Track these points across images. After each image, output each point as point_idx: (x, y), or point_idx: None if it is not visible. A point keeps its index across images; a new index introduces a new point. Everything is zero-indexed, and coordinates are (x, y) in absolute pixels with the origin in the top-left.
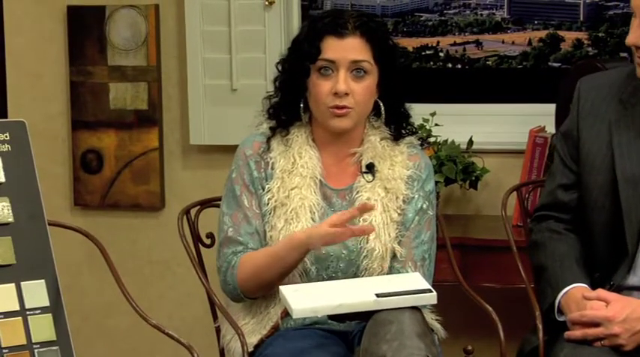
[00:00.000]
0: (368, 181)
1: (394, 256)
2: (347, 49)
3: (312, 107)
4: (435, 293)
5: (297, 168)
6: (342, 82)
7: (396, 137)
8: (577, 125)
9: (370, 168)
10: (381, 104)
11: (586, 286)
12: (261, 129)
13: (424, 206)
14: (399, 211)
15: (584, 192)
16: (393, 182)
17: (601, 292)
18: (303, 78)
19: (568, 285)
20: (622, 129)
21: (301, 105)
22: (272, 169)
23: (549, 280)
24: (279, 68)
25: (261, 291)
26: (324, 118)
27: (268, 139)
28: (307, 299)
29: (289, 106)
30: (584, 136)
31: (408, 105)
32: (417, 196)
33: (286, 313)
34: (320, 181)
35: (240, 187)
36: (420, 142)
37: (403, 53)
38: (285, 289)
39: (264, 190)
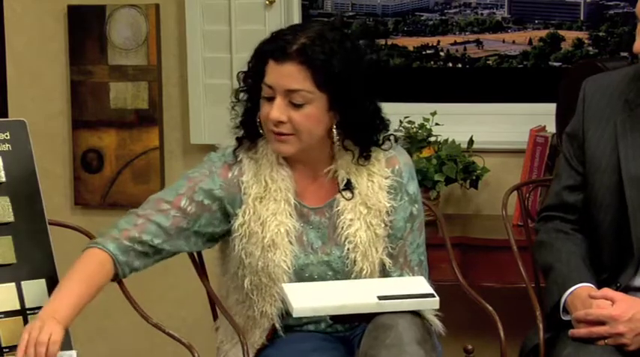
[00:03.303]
0: (347, 199)
1: (384, 266)
2: (283, 76)
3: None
4: (437, 298)
5: (270, 193)
6: (275, 110)
7: (366, 157)
8: (582, 126)
9: (348, 185)
10: (335, 132)
11: (592, 285)
12: (228, 149)
13: (414, 211)
14: (383, 225)
15: (590, 193)
16: (374, 198)
17: (607, 291)
18: (257, 95)
19: (574, 284)
20: (627, 130)
21: (258, 120)
22: (244, 194)
23: (556, 279)
24: (241, 79)
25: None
26: (269, 140)
27: (237, 156)
28: (308, 298)
29: (249, 120)
30: (590, 136)
31: (383, 112)
32: (402, 203)
33: (273, 334)
34: (295, 203)
35: (188, 188)
36: (392, 141)
37: (371, 62)
38: (287, 287)
39: (221, 210)
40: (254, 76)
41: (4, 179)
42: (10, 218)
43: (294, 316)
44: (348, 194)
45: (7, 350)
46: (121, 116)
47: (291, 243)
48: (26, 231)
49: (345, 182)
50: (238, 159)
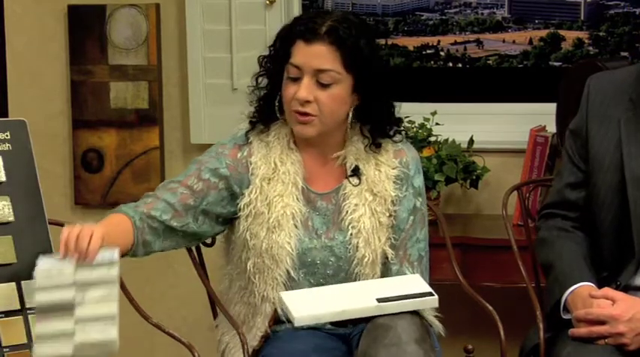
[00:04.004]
0: (354, 185)
1: (387, 258)
2: (313, 56)
3: (285, 109)
4: (436, 297)
5: (279, 174)
6: (303, 89)
7: (377, 145)
8: (586, 124)
9: (355, 171)
10: (350, 114)
11: (593, 284)
12: (240, 131)
13: (417, 204)
14: (387, 214)
15: (592, 191)
16: (380, 185)
17: (608, 290)
18: (278, 78)
19: (575, 283)
20: (631, 128)
21: (277, 103)
22: (251, 174)
23: (557, 278)
24: (261, 63)
25: None
26: (290, 121)
27: (248, 138)
28: (309, 306)
29: (266, 103)
30: (593, 134)
31: (397, 106)
32: (407, 195)
33: (275, 321)
34: (302, 187)
35: (196, 170)
36: (403, 136)
37: (399, 53)
38: (286, 296)
39: (228, 189)
40: (278, 58)
41: (4, 179)
42: (10, 218)
43: (296, 325)
44: (355, 180)
45: (7, 350)
46: (121, 116)
47: (296, 227)
48: (26, 230)
49: (352, 168)
50: (249, 140)
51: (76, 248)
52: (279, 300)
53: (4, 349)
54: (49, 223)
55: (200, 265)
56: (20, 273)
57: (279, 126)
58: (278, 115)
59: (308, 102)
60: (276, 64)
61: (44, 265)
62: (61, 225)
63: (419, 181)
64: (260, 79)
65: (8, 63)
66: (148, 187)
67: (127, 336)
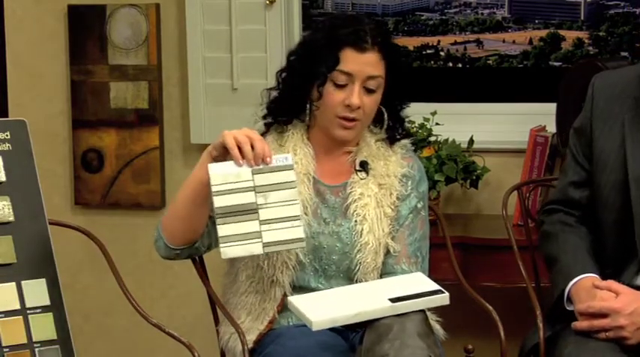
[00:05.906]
0: (361, 179)
1: (387, 252)
2: (366, 63)
3: (320, 113)
4: (447, 294)
5: None
6: (356, 96)
7: (392, 141)
8: (590, 123)
9: (364, 166)
10: (385, 112)
11: (596, 276)
12: (256, 126)
13: (419, 206)
14: (392, 207)
15: (596, 190)
16: (387, 179)
17: (612, 283)
18: (317, 84)
19: (579, 275)
20: (635, 128)
21: (307, 106)
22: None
23: (560, 270)
24: (290, 64)
25: (182, 226)
26: (330, 126)
27: (263, 135)
28: (323, 310)
29: (292, 104)
30: (597, 133)
31: (405, 107)
32: (411, 194)
33: (282, 308)
34: (313, 177)
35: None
36: (413, 147)
37: (407, 55)
38: (296, 300)
39: None
40: (322, 63)
41: (4, 179)
42: (11, 218)
43: (314, 329)
44: (362, 174)
45: (7, 350)
46: (121, 116)
47: (305, 213)
48: (26, 231)
49: (360, 163)
50: (262, 134)
51: (254, 153)
52: (289, 304)
53: (4, 349)
54: (49, 223)
55: (200, 265)
56: (20, 273)
57: (293, 124)
58: (308, 118)
59: (358, 108)
60: (317, 71)
61: (218, 169)
62: (61, 225)
63: (424, 187)
64: (278, 77)
65: (8, 63)
66: (148, 187)
67: (127, 336)
